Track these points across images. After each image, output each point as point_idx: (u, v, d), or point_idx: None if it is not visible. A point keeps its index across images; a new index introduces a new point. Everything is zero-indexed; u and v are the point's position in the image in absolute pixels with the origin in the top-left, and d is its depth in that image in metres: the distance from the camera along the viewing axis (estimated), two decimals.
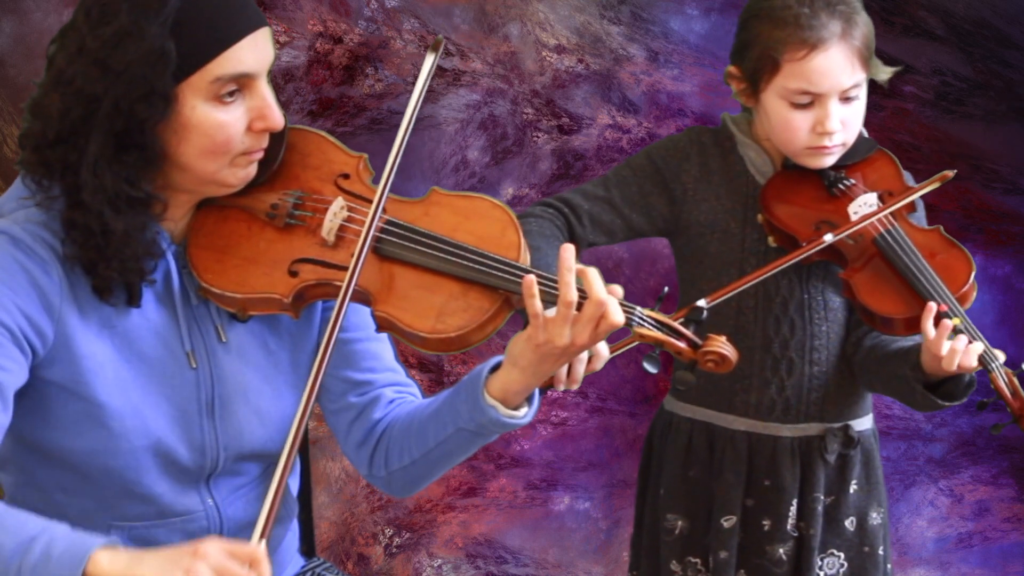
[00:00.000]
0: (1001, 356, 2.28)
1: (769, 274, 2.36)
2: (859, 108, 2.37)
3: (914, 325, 2.28)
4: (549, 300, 1.86)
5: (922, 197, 2.46)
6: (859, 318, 2.45)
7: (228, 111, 1.84)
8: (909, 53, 3.71)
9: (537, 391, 1.97)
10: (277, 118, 1.88)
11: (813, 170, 2.41)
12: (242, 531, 2.00)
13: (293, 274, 1.91)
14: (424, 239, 1.91)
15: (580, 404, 3.74)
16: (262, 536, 1.70)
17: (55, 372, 1.85)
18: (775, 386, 2.46)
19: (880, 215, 2.36)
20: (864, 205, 2.38)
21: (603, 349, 2.07)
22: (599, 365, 2.09)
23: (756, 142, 2.46)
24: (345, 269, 1.88)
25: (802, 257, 2.35)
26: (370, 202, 1.91)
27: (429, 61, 1.95)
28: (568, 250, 1.85)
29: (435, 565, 3.69)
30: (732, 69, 2.40)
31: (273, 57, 1.89)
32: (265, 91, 1.87)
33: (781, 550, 2.49)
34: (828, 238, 2.34)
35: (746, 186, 2.45)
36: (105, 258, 1.83)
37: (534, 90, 3.61)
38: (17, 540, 1.65)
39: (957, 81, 3.79)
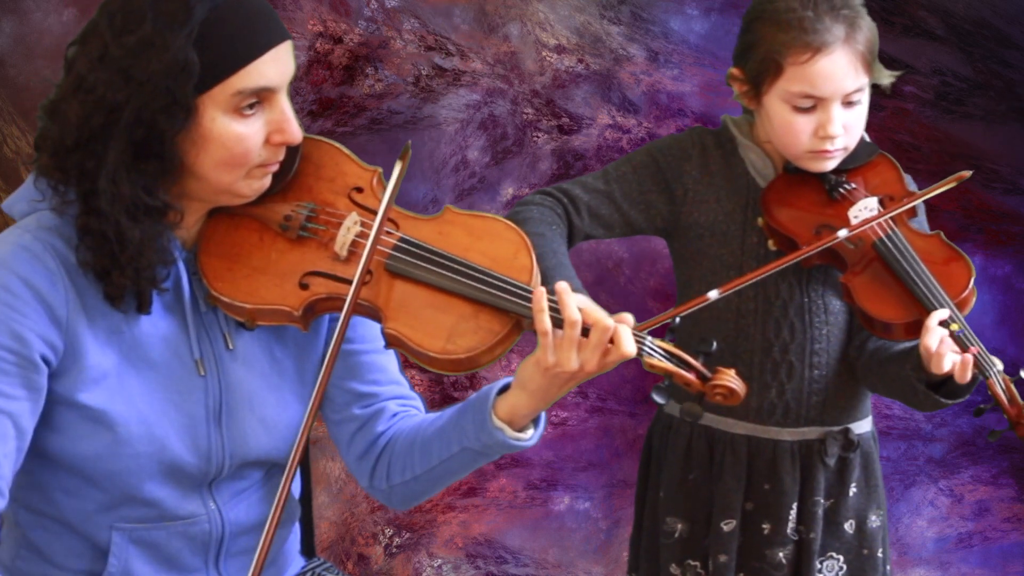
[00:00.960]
0: (999, 363, 2.28)
1: (772, 272, 2.35)
2: (861, 112, 2.36)
3: (913, 330, 2.28)
4: (557, 323, 1.86)
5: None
6: (860, 322, 2.45)
7: (247, 124, 1.84)
8: (909, 53, 3.71)
9: (543, 414, 1.97)
10: (296, 132, 1.87)
11: (814, 174, 2.41)
12: (243, 534, 2.01)
13: (304, 287, 1.91)
14: (436, 258, 1.90)
15: (580, 404, 3.74)
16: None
17: (61, 381, 1.85)
18: (775, 390, 2.46)
19: (897, 211, 2.36)
20: (865, 209, 2.38)
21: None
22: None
23: (757, 144, 2.46)
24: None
25: (804, 258, 2.35)
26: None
27: (397, 168, 1.93)
28: (564, 283, 1.86)
29: (435, 565, 3.69)
30: (735, 71, 2.40)
31: (294, 70, 1.88)
32: (285, 105, 1.86)
33: (781, 554, 2.49)
34: (842, 233, 2.33)
35: (747, 188, 2.45)
36: (119, 265, 1.83)
37: (534, 90, 3.61)
38: None
39: (957, 81, 3.79)
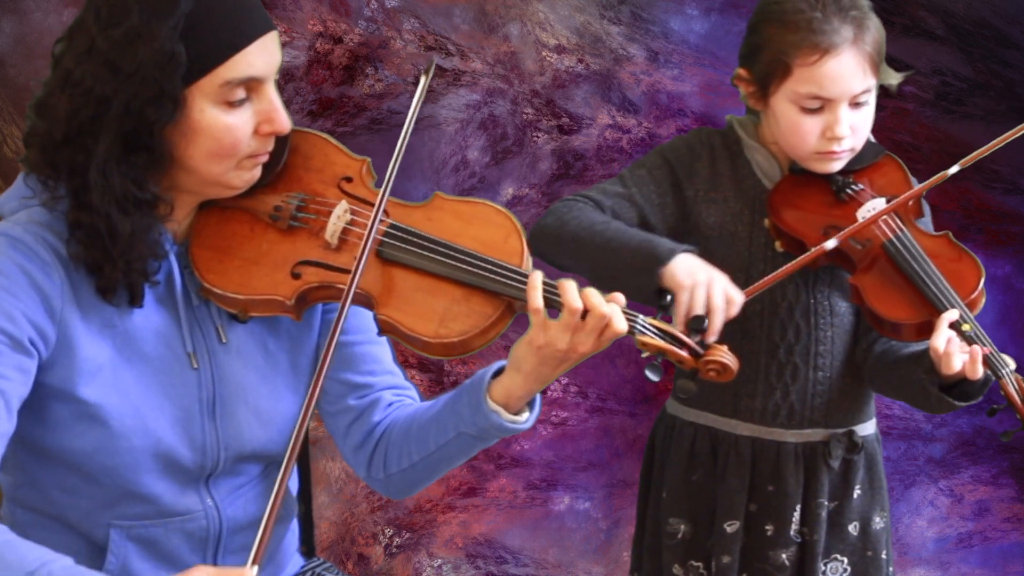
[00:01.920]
0: (1011, 363, 2.28)
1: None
2: (868, 114, 2.36)
3: (923, 331, 2.28)
4: (552, 305, 1.86)
5: (924, 197, 2.45)
6: (867, 324, 2.44)
7: (236, 114, 1.84)
8: (909, 53, 3.71)
9: (538, 396, 1.97)
10: (284, 122, 1.88)
11: (820, 175, 2.41)
12: (241, 531, 2.01)
13: (296, 276, 1.91)
14: (427, 243, 1.91)
15: (580, 404, 3.74)
16: (254, 561, 1.70)
17: (54, 375, 1.84)
18: (779, 391, 2.46)
19: (892, 207, 2.36)
20: (873, 210, 2.37)
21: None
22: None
23: (763, 145, 2.45)
24: (348, 272, 1.88)
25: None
26: (373, 205, 1.91)
27: (423, 83, 1.94)
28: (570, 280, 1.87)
29: (435, 565, 3.69)
30: (741, 72, 2.40)
31: (281, 60, 1.89)
32: (273, 95, 1.87)
33: (784, 555, 2.48)
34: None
35: (753, 190, 2.45)
36: (111, 259, 1.83)
37: (534, 90, 3.61)
38: (14, 575, 1.65)
39: (957, 81, 3.80)
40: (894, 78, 2.40)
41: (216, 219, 1.94)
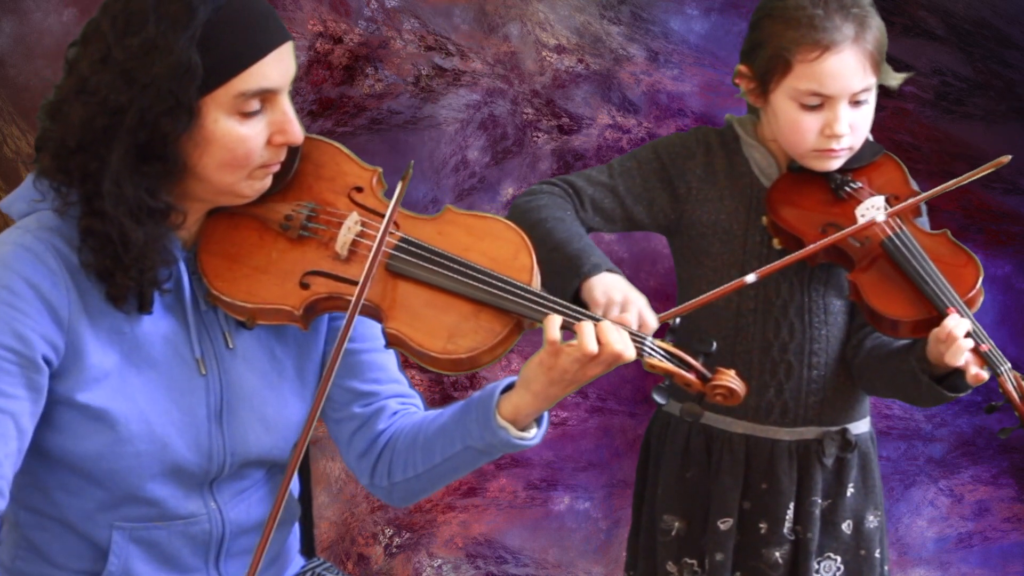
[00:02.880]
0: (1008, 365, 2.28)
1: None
2: (868, 112, 2.37)
3: (921, 328, 2.28)
4: (567, 327, 1.87)
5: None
6: (859, 321, 2.45)
7: (250, 125, 1.84)
8: (909, 53, 3.71)
9: (546, 413, 1.97)
10: (298, 133, 1.87)
11: (819, 173, 2.41)
12: (244, 535, 2.00)
13: (304, 286, 1.91)
14: (437, 258, 1.90)
15: (580, 404, 3.74)
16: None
17: (62, 381, 1.84)
18: (773, 389, 2.46)
19: (897, 211, 2.36)
20: (872, 208, 2.38)
21: None
22: None
23: (761, 143, 2.46)
24: (356, 284, 1.87)
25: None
26: (383, 217, 1.91)
27: (399, 188, 1.92)
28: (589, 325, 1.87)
29: (435, 565, 3.69)
30: (742, 68, 2.40)
31: (295, 70, 1.89)
32: (287, 106, 1.86)
33: (777, 553, 2.49)
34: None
35: (750, 187, 2.45)
36: (123, 267, 1.82)
37: (534, 90, 3.61)
38: None
39: (957, 81, 3.79)
40: (895, 79, 2.41)
41: (225, 226, 1.94)
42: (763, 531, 2.49)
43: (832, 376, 2.47)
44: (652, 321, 2.14)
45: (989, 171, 2.39)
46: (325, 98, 3.46)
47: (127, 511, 1.92)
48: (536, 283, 1.91)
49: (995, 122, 3.80)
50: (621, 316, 1.96)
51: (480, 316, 1.89)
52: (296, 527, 2.18)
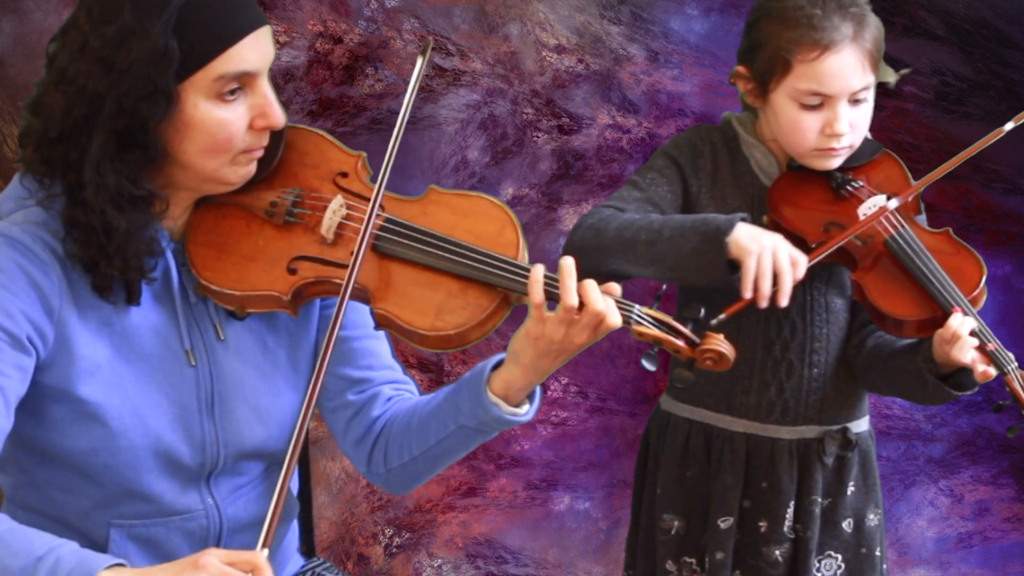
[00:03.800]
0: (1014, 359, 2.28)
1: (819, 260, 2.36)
2: (867, 111, 2.37)
3: (926, 328, 2.28)
4: (552, 297, 1.87)
5: (923, 197, 2.46)
6: (861, 320, 2.45)
7: (230, 109, 1.85)
8: (909, 53, 3.71)
9: (539, 389, 1.97)
10: (278, 116, 1.88)
11: (819, 171, 2.41)
12: (242, 531, 2.01)
13: (292, 271, 1.92)
14: (422, 237, 1.91)
15: (580, 404, 3.74)
16: (264, 544, 1.70)
17: (52, 374, 1.85)
18: (774, 388, 2.46)
19: (905, 198, 2.36)
20: (874, 207, 2.38)
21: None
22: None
23: (761, 143, 2.46)
24: (344, 266, 1.88)
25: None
26: (368, 200, 1.92)
27: (419, 64, 1.95)
28: (569, 260, 1.87)
29: (435, 565, 3.69)
30: (741, 69, 2.40)
31: (273, 55, 1.90)
32: (266, 89, 1.88)
33: (777, 552, 2.49)
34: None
35: (751, 186, 2.45)
36: (107, 256, 1.83)
37: (534, 90, 3.61)
38: (23, 562, 1.65)
39: (957, 81, 3.80)
40: (892, 76, 2.41)
41: (212, 216, 1.94)
42: (763, 530, 2.49)
43: (833, 375, 2.47)
44: (801, 258, 2.23)
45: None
46: (325, 98, 3.46)
47: (124, 508, 1.92)
48: (523, 258, 1.92)
49: (995, 122, 3.78)
50: (609, 285, 1.94)
51: (467, 292, 1.90)
52: (295, 525, 2.18)
